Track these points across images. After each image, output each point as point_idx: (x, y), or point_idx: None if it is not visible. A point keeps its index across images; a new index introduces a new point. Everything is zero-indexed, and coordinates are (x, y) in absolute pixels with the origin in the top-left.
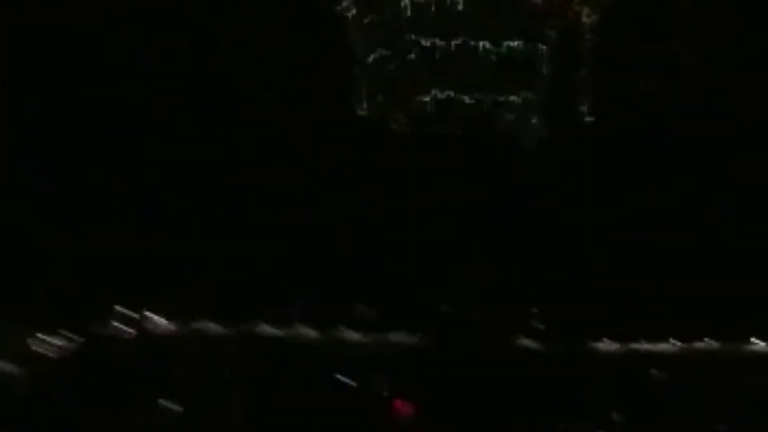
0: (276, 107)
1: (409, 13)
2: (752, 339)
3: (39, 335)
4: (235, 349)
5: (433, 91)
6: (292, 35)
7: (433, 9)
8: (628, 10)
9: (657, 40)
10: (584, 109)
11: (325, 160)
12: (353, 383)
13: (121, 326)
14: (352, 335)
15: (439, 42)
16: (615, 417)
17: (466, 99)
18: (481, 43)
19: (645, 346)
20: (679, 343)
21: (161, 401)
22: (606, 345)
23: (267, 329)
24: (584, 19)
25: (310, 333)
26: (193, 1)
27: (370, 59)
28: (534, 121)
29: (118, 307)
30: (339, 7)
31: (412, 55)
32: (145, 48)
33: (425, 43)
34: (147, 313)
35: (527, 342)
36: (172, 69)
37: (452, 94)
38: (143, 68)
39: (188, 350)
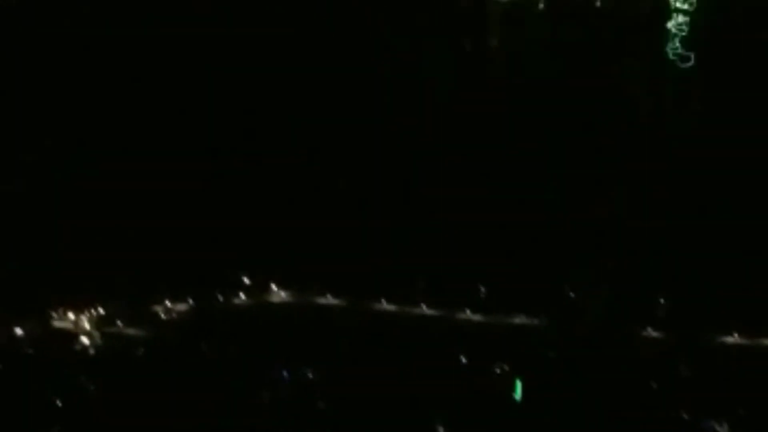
0: None
1: None
2: None
3: (166, 303)
4: (351, 323)
5: None
6: None
7: None
8: None
9: None
10: None
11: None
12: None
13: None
14: (473, 316)
15: None
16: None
17: None
18: None
19: None
20: None
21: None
22: (733, 339)
23: (387, 306)
24: None
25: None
26: None
27: None
28: None
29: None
30: None
31: None
32: None
33: None
34: (271, 285)
35: (652, 332)
36: None
37: None
38: None
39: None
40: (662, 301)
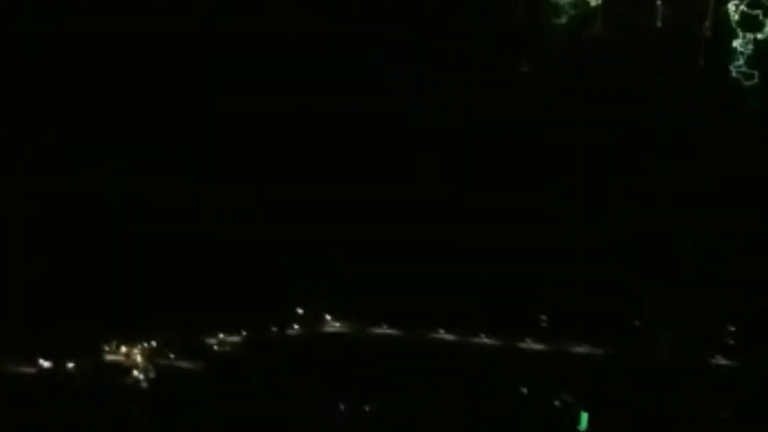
0: None
1: None
2: None
3: (219, 335)
4: (408, 354)
5: None
6: None
7: None
8: None
9: None
10: None
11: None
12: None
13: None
14: (534, 345)
15: None
16: None
17: None
18: None
19: None
20: None
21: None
22: None
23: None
24: None
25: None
26: None
27: None
28: None
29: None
30: None
31: None
32: None
33: None
34: (325, 315)
35: (722, 360)
36: None
37: None
38: None
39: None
40: (733, 328)
